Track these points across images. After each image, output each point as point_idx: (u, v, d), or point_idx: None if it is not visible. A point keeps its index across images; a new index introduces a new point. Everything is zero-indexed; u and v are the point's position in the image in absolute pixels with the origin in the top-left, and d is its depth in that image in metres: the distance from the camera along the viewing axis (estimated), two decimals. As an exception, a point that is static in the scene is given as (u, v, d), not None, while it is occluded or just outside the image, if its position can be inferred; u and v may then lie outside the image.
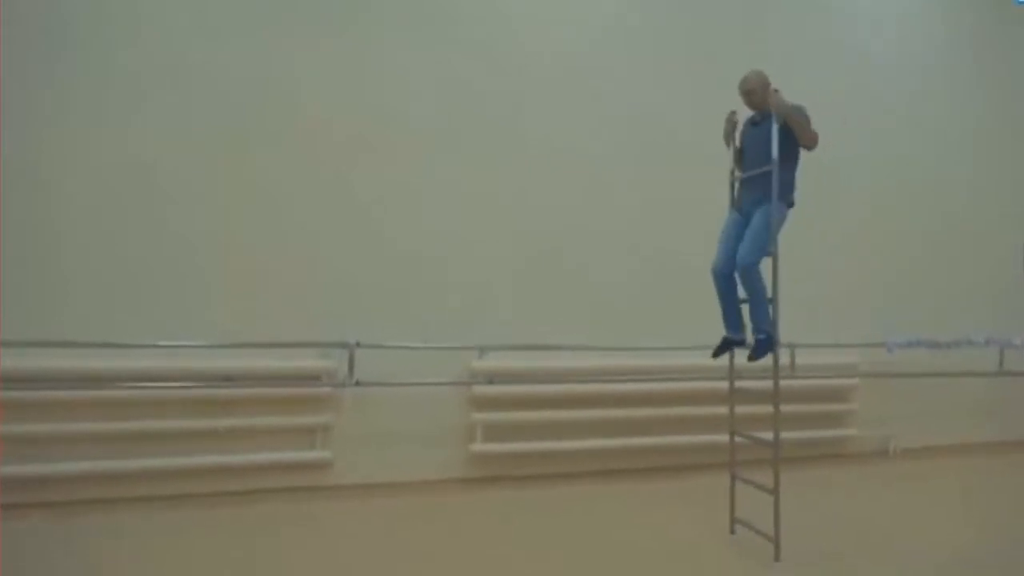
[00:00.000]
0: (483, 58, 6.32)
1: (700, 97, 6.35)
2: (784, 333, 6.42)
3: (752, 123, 4.84)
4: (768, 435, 4.54)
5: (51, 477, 5.11)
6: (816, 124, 4.57)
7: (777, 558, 4.38)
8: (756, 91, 4.66)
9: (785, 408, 6.65)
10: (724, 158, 4.97)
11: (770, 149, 4.51)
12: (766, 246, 4.55)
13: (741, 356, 4.88)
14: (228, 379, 5.46)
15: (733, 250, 4.67)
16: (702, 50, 6.95)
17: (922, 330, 7.26)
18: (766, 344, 4.61)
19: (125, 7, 5.51)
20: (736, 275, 4.65)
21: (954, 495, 6.21)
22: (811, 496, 5.88)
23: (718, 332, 4.87)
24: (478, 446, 6.08)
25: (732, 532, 4.89)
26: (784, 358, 6.65)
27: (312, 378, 5.79)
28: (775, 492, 4.42)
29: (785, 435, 6.56)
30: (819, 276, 7.17)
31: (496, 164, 6.30)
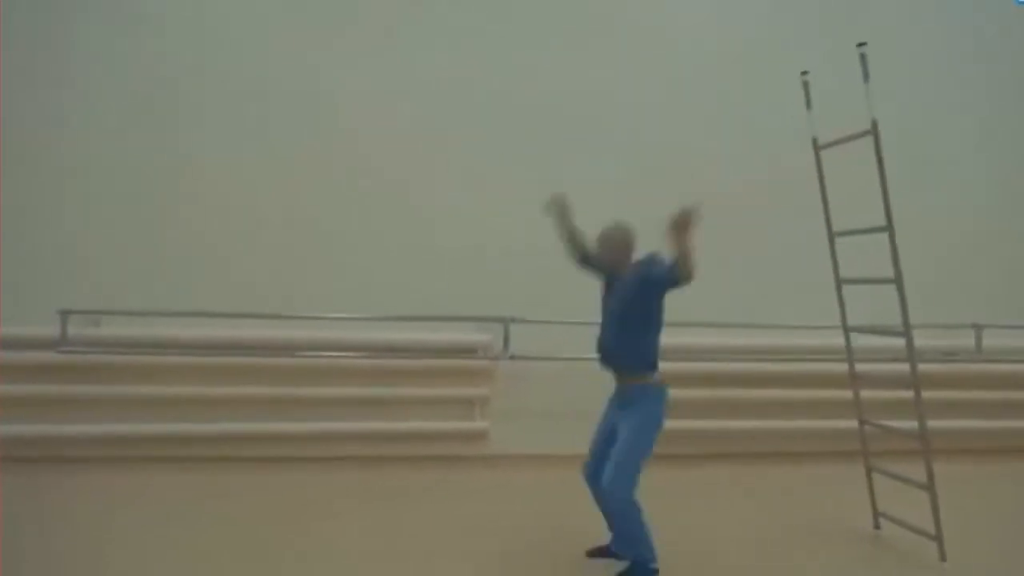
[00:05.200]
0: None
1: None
2: (969, 313, 6.00)
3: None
4: (912, 424, 4.10)
5: (224, 435, 5.58)
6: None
7: (943, 558, 4.02)
8: (621, 258, 3.92)
9: (970, 395, 6.30)
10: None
11: (632, 311, 3.85)
12: (638, 468, 3.68)
13: (863, 340, 4.50)
14: (391, 350, 5.74)
15: (602, 448, 3.96)
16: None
17: None
18: (642, 571, 3.73)
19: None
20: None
21: None
22: (994, 493, 5.43)
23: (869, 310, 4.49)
24: (630, 422, 6.02)
25: (876, 527, 4.55)
26: (969, 340, 6.14)
27: (469, 351, 5.97)
28: (930, 487, 4.01)
29: (965, 424, 6.21)
30: (1013, 249, 6.49)
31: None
